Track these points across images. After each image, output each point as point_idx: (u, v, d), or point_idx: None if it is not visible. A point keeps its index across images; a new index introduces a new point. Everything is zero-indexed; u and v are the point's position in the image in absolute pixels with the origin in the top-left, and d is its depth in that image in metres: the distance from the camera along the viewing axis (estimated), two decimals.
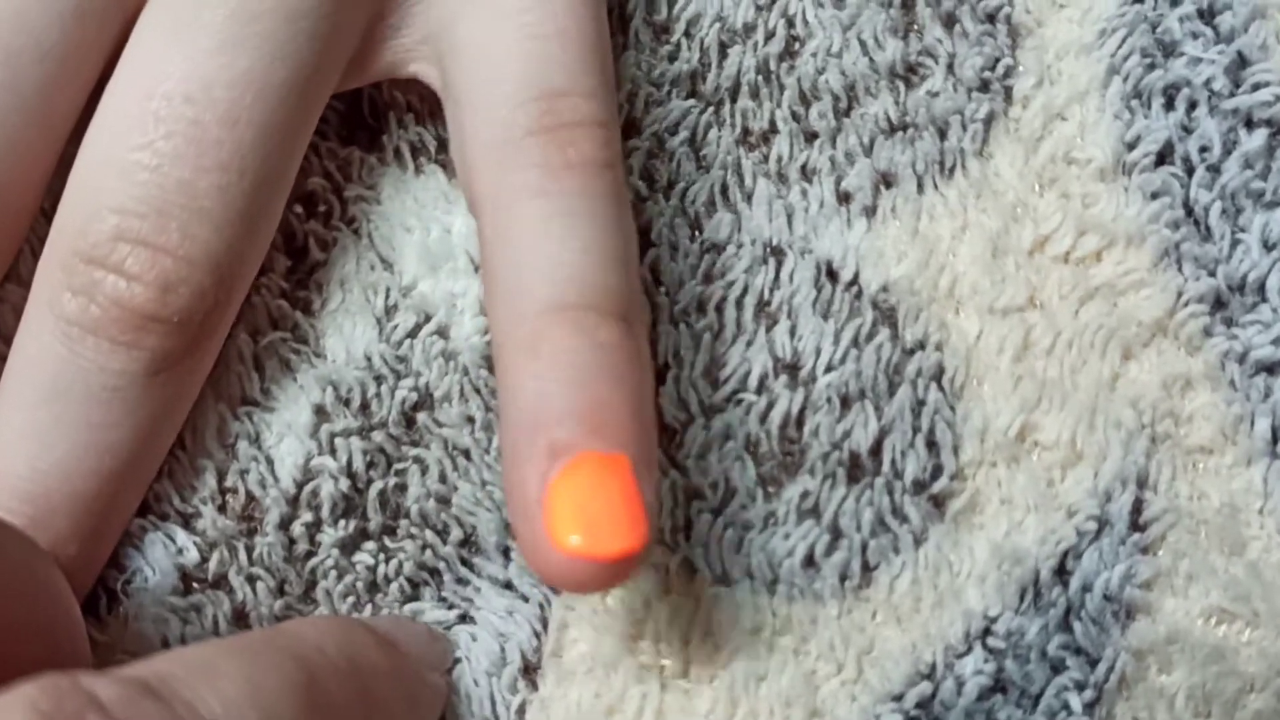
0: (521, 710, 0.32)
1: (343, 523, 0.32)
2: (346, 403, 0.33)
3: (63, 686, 0.21)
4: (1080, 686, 0.31)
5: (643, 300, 0.32)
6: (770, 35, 0.35)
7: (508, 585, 0.32)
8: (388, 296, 0.33)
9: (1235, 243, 0.34)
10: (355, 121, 0.34)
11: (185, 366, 0.30)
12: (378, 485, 0.32)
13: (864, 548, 0.32)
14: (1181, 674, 0.32)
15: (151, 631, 0.31)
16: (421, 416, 0.33)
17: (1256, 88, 0.35)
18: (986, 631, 0.32)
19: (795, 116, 0.35)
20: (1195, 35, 0.35)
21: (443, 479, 0.32)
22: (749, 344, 0.33)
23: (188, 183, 0.29)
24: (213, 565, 0.32)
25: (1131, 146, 0.35)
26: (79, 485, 0.30)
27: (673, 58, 0.35)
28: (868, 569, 0.32)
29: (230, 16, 0.29)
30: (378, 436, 0.33)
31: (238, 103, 0.29)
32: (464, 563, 0.32)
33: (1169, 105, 0.35)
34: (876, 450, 0.33)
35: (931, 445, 0.33)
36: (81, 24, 0.30)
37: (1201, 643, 0.32)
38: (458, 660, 0.32)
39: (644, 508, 0.26)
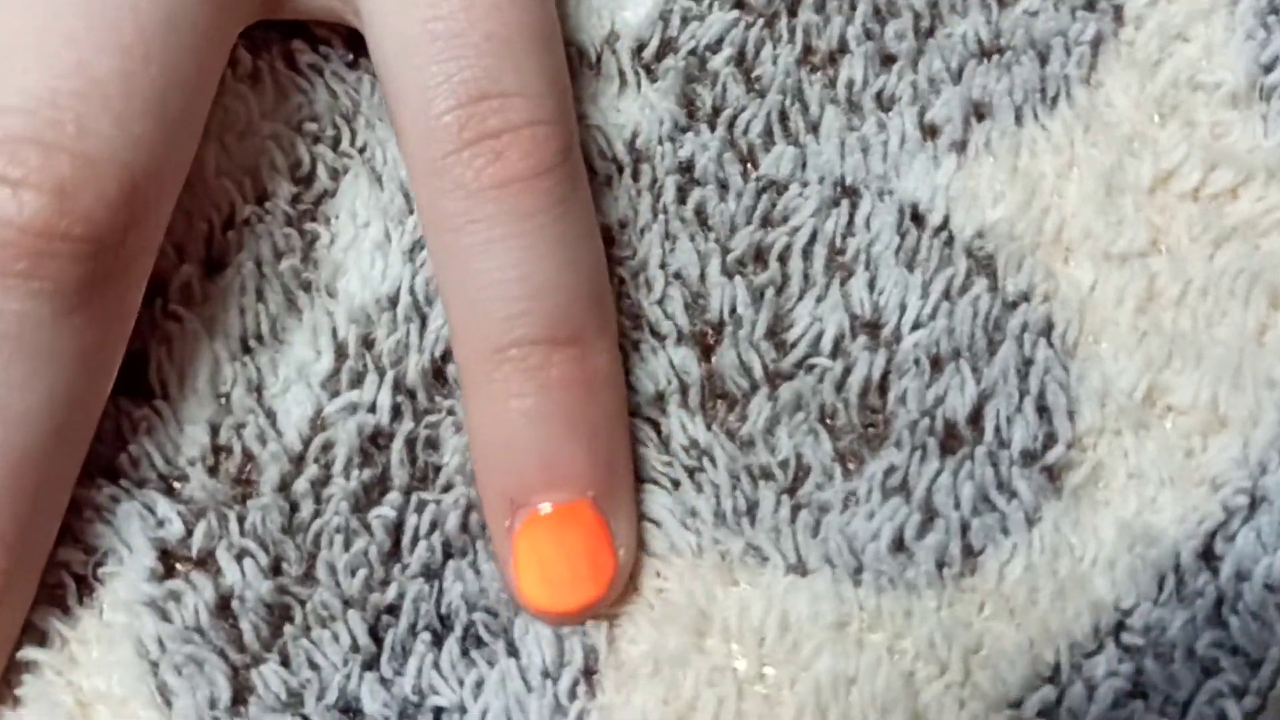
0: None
1: (357, 473, 0.28)
2: (369, 345, 0.29)
3: None
4: (1239, 692, 0.28)
5: (604, 301, 0.28)
6: None
7: None
8: (412, 232, 0.30)
9: None
10: (361, 45, 0.30)
11: (103, 304, 0.25)
12: (404, 435, 0.28)
13: (964, 529, 0.29)
14: None
15: (123, 630, 0.27)
16: (452, 368, 0.29)
17: None
18: (1120, 626, 0.28)
19: (869, 34, 0.31)
20: None
21: None
22: (820, 299, 0.30)
23: (84, 64, 0.24)
24: (197, 540, 0.28)
25: (1269, 69, 0.32)
26: None
27: None
28: (971, 554, 0.29)
29: None
30: (406, 383, 0.29)
31: None
32: None
33: None
34: (976, 418, 0.29)
35: (1042, 410, 0.30)
36: None
37: None
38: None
39: (609, 550, 0.27)
